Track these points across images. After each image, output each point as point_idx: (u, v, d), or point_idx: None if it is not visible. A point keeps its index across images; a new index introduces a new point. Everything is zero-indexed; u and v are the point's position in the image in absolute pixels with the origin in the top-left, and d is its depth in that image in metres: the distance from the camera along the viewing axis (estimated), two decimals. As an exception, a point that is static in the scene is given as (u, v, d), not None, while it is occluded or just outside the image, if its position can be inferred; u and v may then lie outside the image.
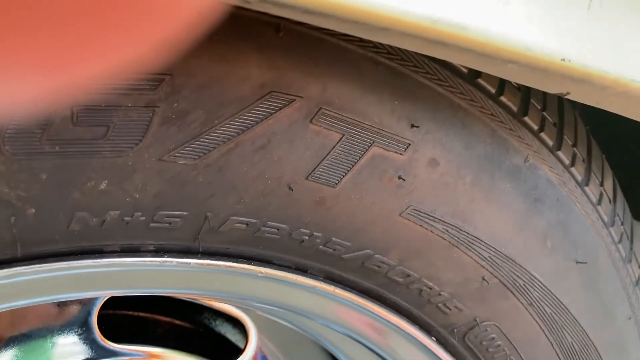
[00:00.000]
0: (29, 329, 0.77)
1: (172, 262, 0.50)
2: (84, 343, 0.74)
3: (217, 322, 0.89)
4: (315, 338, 0.74)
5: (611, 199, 0.67)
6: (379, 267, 0.56)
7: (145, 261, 0.49)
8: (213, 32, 0.43)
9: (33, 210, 0.43)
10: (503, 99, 0.56)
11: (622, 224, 0.69)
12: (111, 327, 0.78)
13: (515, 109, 0.57)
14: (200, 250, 0.51)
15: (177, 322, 0.86)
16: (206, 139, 0.45)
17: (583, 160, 0.64)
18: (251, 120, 0.45)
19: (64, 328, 0.76)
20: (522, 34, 0.40)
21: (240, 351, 0.85)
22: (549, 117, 0.60)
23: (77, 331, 0.74)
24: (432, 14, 0.38)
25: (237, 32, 0.44)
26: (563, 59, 0.42)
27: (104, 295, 0.63)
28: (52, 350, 0.76)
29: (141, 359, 0.78)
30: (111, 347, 0.74)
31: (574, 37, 0.43)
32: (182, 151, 0.45)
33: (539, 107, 0.59)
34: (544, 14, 0.41)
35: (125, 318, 0.82)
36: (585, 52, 0.43)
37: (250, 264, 0.53)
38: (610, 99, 0.48)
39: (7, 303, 0.50)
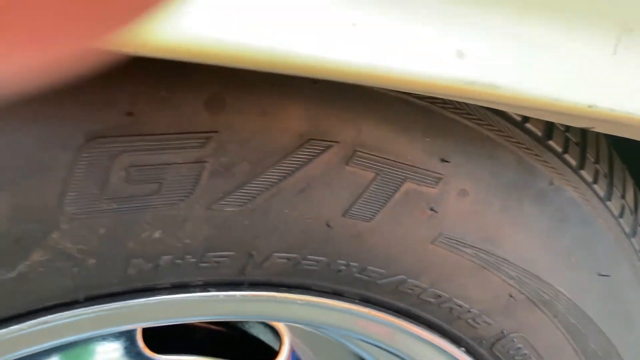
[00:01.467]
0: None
1: (219, 295, 0.53)
2: (128, 354, 0.78)
3: (251, 324, 0.93)
4: (348, 346, 0.78)
5: (632, 210, 0.70)
6: (412, 290, 0.59)
7: (194, 296, 0.53)
8: (254, 88, 0.45)
9: (94, 261, 0.46)
10: (528, 125, 0.58)
11: (643, 232, 0.71)
12: (151, 334, 0.82)
13: (539, 134, 0.59)
14: (245, 283, 0.54)
15: (213, 327, 0.90)
16: (251, 187, 0.47)
17: (605, 176, 0.66)
18: (291, 167, 0.48)
19: (109, 338, 0.80)
20: (551, 86, 0.42)
21: (275, 353, 0.89)
22: (572, 138, 0.62)
23: (123, 342, 0.79)
24: (466, 76, 0.40)
25: (275, 86, 0.46)
26: (590, 106, 0.44)
27: (157, 324, 0.66)
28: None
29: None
30: (155, 358, 0.78)
31: (600, 83, 0.44)
32: (228, 199, 0.47)
33: (562, 129, 0.61)
34: (571, 64, 0.43)
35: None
36: (611, 97, 0.45)
37: (290, 292, 0.56)
38: (635, 133, 0.50)
39: (69, 337, 0.54)
